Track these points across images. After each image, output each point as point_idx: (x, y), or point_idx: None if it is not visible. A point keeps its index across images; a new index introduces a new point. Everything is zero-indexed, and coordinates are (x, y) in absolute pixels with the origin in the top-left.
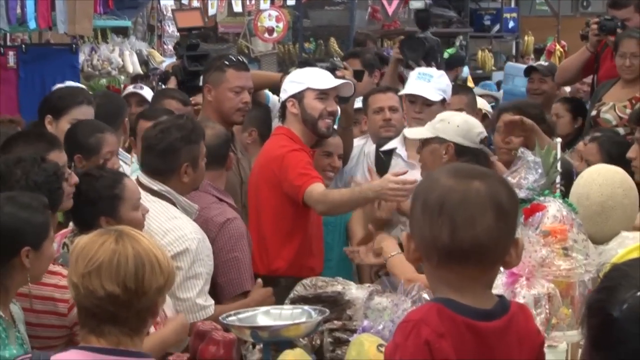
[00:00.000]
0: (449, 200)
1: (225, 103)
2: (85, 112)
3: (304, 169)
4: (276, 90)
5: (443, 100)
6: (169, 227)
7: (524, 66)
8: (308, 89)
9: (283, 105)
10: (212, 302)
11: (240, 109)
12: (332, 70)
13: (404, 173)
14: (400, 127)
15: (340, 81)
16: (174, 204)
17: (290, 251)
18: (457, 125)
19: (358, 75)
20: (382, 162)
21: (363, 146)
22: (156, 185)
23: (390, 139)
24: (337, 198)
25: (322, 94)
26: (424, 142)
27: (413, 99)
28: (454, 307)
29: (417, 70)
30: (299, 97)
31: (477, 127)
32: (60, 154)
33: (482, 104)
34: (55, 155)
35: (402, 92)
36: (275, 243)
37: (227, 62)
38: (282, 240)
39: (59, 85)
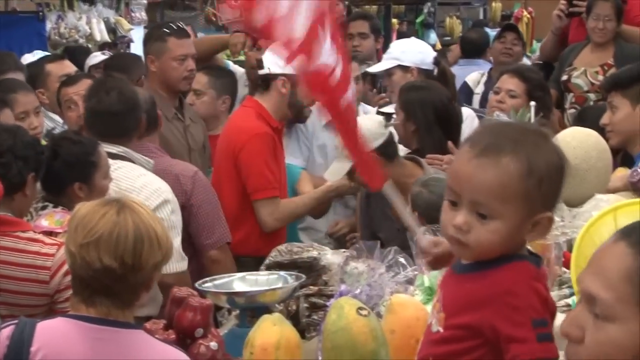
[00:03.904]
0: None
1: (170, 72)
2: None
3: (266, 168)
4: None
5: (403, 67)
6: (141, 184)
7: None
8: None
9: (267, 78)
10: (186, 258)
11: (186, 77)
12: None
13: None
14: (360, 97)
15: None
16: (131, 162)
17: (244, 232)
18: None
19: None
20: None
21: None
22: (114, 148)
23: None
24: (299, 210)
25: None
26: (349, 172)
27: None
28: None
29: None
30: (293, 79)
31: (373, 120)
32: (10, 114)
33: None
34: (5, 116)
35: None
36: (230, 220)
37: (167, 31)
38: (237, 218)
39: None
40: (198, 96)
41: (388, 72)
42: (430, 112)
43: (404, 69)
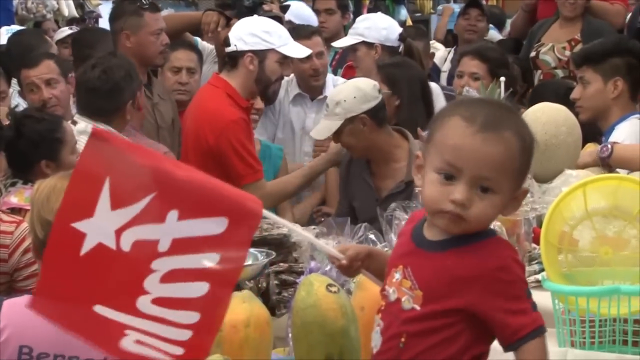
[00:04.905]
0: None
1: (148, 48)
2: None
3: (247, 153)
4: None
5: (367, 43)
6: None
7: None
8: (273, 50)
9: (234, 55)
10: None
11: (162, 52)
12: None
13: None
14: (326, 71)
15: (308, 51)
16: None
17: None
18: (353, 96)
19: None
20: None
21: (287, 85)
22: (99, 126)
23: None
24: (290, 190)
25: (285, 59)
26: (337, 131)
27: None
28: None
29: None
30: (261, 55)
31: (368, 83)
32: None
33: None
34: None
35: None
36: None
37: (141, 6)
38: None
39: None
40: (192, 75)
41: (352, 48)
42: (417, 87)
43: (369, 45)
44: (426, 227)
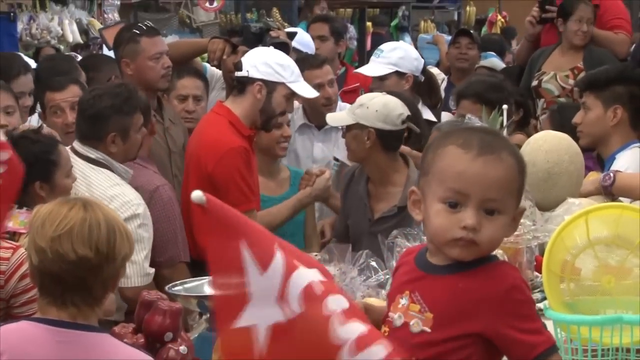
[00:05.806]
0: None
1: (148, 73)
2: (25, 82)
3: (243, 182)
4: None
5: (399, 73)
6: (114, 194)
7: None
8: (283, 84)
9: (243, 81)
10: (153, 270)
11: (164, 75)
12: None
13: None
14: (337, 100)
15: (316, 93)
16: (110, 170)
17: None
18: (375, 110)
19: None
20: None
21: (292, 115)
22: (93, 154)
23: None
24: (278, 222)
25: (292, 95)
26: (347, 128)
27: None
28: None
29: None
30: (270, 86)
31: (397, 109)
32: None
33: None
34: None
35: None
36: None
37: (138, 32)
38: None
39: None
40: (198, 102)
41: (380, 77)
42: (420, 113)
43: (400, 75)
44: (430, 255)
